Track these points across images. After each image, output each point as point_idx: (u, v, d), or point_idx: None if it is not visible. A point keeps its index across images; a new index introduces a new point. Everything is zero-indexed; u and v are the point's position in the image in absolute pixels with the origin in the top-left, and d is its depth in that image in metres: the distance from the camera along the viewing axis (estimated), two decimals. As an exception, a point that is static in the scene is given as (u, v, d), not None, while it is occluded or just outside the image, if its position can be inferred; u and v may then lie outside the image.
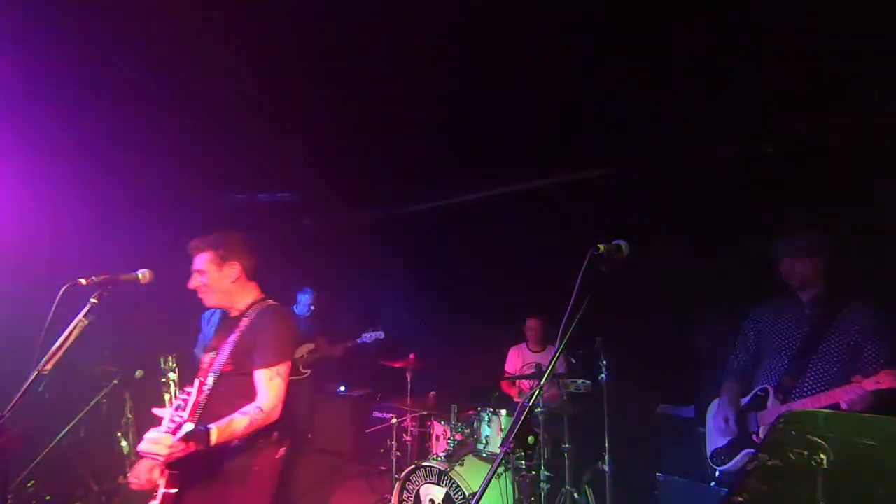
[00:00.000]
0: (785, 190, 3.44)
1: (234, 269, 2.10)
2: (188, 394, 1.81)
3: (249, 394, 1.90)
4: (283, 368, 1.99)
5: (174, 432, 1.63)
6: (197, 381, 1.86)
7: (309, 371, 4.46)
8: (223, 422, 1.76)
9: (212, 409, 1.89)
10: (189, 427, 1.62)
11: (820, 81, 3.06)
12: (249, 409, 1.85)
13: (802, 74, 3.00)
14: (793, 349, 2.31)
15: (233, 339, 2.02)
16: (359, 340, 4.46)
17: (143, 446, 1.67)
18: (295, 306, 4.79)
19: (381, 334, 4.43)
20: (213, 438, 1.71)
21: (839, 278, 2.33)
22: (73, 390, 3.24)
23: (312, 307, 4.82)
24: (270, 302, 2.16)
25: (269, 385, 1.91)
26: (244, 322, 2.05)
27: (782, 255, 2.41)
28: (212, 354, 2.05)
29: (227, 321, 2.15)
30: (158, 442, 1.64)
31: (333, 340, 4.59)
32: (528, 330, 4.40)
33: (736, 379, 2.56)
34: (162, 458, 1.65)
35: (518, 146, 4.31)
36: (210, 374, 1.98)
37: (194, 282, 2.09)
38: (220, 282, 2.08)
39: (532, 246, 4.66)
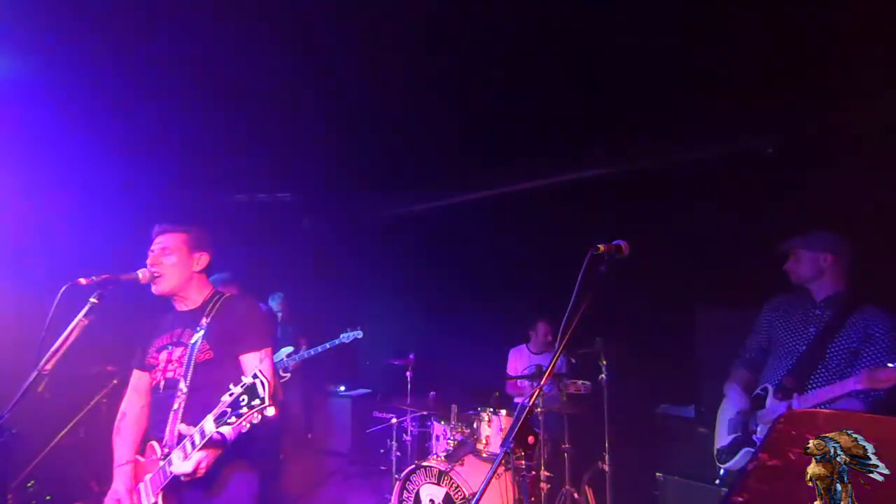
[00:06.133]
0: (785, 190, 3.44)
1: (203, 259, 2.09)
2: (178, 394, 1.81)
3: (234, 380, 1.76)
4: (270, 352, 1.99)
5: (190, 443, 1.64)
6: (181, 380, 1.87)
7: (289, 374, 4.45)
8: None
9: (197, 400, 1.83)
10: (210, 429, 1.60)
11: (820, 80, 3.07)
12: None
13: (803, 72, 3.01)
14: (798, 350, 2.28)
15: (204, 327, 1.96)
16: (337, 341, 4.45)
17: (178, 469, 1.66)
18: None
19: (359, 334, 4.42)
20: (229, 438, 1.71)
21: (856, 280, 2.30)
22: (73, 390, 3.24)
23: (280, 313, 4.79)
24: (230, 294, 2.14)
25: (263, 366, 1.87)
26: (211, 311, 2.01)
27: (789, 248, 2.40)
28: (169, 349, 1.99)
29: (182, 315, 2.07)
30: (190, 461, 1.65)
31: (314, 342, 4.58)
32: (537, 333, 4.37)
33: (746, 367, 2.57)
34: (201, 474, 1.68)
35: (517, 146, 4.31)
36: (181, 366, 1.93)
37: (157, 260, 1.98)
38: (187, 267, 2.03)
39: (532, 246, 4.66)
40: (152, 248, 2.03)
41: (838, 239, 2.32)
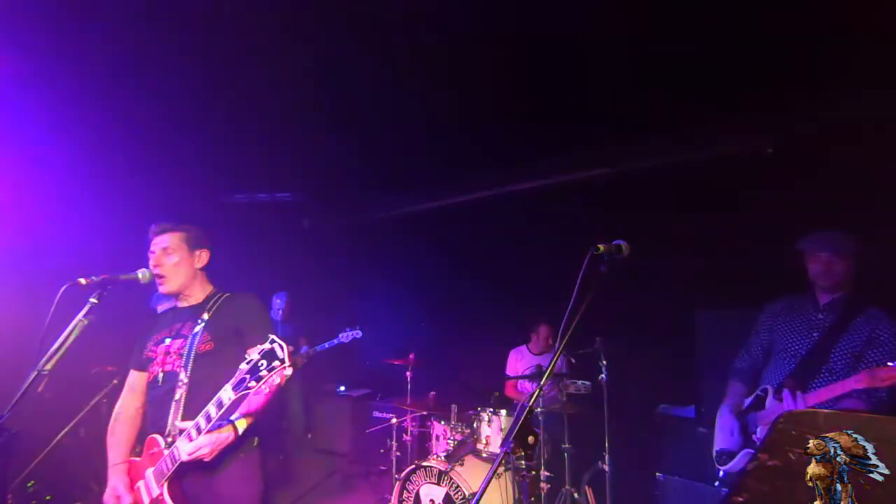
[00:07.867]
0: (785, 190, 3.43)
1: (203, 255, 2.11)
2: (179, 385, 1.84)
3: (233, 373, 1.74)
4: None
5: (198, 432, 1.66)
6: (181, 371, 1.88)
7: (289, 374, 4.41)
8: (241, 407, 1.78)
9: (197, 391, 1.85)
10: (228, 396, 1.61)
11: (820, 79, 3.06)
12: None
13: (803, 71, 3.01)
14: (800, 353, 2.26)
15: (205, 320, 1.98)
16: (336, 341, 4.44)
17: (183, 450, 1.69)
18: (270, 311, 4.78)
19: (358, 333, 4.42)
20: (240, 427, 1.75)
21: (861, 284, 2.27)
22: (73, 390, 3.24)
23: (281, 311, 4.80)
24: (230, 292, 2.16)
25: None
26: (212, 307, 2.03)
27: (821, 250, 2.28)
28: (167, 342, 2.00)
29: (182, 311, 2.09)
30: (202, 446, 1.68)
31: (314, 342, 4.58)
32: (538, 335, 4.36)
33: (741, 379, 2.52)
34: (208, 457, 1.71)
35: (517, 146, 4.31)
36: (180, 357, 1.94)
37: (159, 261, 1.99)
38: (189, 265, 2.05)
39: (532, 246, 4.66)
40: (152, 249, 2.03)
41: (844, 239, 2.28)
